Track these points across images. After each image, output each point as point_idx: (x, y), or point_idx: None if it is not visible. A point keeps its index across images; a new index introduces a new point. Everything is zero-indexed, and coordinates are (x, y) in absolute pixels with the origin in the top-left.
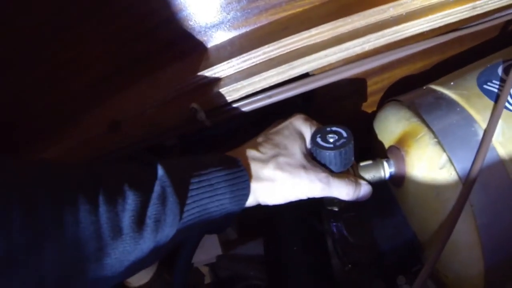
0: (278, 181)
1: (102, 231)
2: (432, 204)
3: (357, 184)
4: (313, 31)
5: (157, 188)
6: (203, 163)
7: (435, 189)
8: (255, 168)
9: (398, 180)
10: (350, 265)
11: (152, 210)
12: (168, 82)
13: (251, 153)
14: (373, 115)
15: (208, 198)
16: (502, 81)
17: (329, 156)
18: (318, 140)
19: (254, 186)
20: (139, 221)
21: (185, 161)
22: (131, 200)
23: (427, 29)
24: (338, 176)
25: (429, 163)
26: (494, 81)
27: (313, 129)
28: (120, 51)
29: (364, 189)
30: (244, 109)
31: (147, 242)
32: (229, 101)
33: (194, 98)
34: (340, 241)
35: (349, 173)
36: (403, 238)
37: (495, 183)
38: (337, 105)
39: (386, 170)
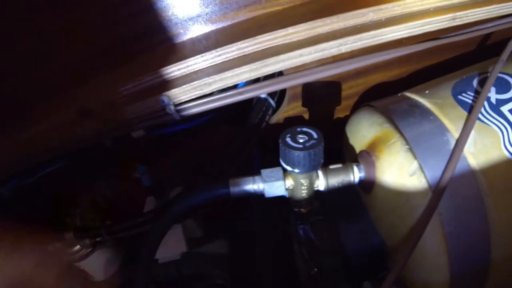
0: None
1: None
2: (400, 211)
3: None
4: (290, 29)
5: None
6: None
7: (404, 196)
8: None
9: (368, 185)
10: (315, 269)
11: None
12: (139, 73)
13: None
14: (346, 119)
15: None
16: (477, 92)
17: (298, 156)
18: (288, 140)
19: None
20: None
21: None
22: None
23: (406, 35)
24: None
25: (400, 170)
26: (468, 92)
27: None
28: (93, 37)
29: None
30: (215, 104)
31: None
32: (200, 95)
33: (165, 90)
34: (306, 244)
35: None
36: (370, 243)
37: (464, 192)
38: (310, 107)
39: (356, 174)
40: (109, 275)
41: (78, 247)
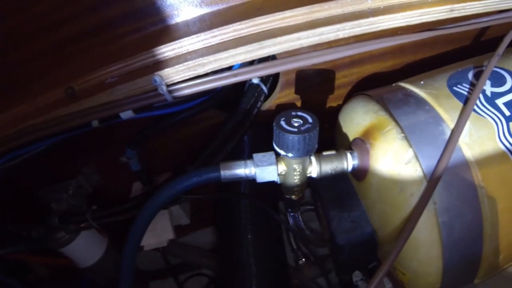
0: None
1: None
2: (395, 199)
3: None
4: (288, 13)
5: None
6: None
7: (399, 184)
8: None
9: (361, 173)
10: (303, 259)
11: None
12: (131, 52)
13: None
14: (338, 108)
15: None
16: (472, 85)
17: (292, 140)
18: (282, 123)
19: None
20: None
21: None
22: None
23: (403, 25)
24: None
25: (395, 158)
26: (464, 84)
27: None
28: (84, 16)
29: None
30: (208, 86)
31: None
32: (193, 75)
33: (157, 70)
34: (296, 233)
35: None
36: (361, 233)
37: (459, 183)
38: (303, 94)
39: (349, 161)
40: (93, 262)
41: (62, 233)
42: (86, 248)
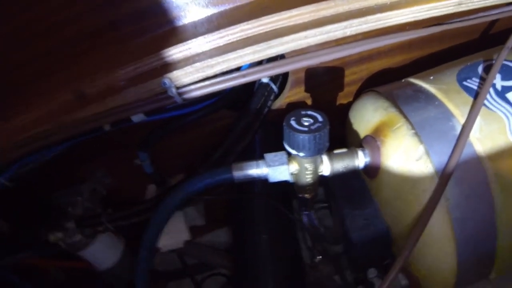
0: None
1: None
2: (407, 196)
3: None
4: (294, 11)
5: None
6: None
7: (410, 181)
8: None
9: (373, 170)
10: (320, 256)
11: None
12: (139, 55)
13: None
14: (349, 106)
15: None
16: (482, 79)
17: (303, 139)
18: (293, 123)
19: None
20: None
21: None
22: None
23: (411, 20)
24: None
25: (406, 154)
26: (474, 79)
27: None
28: (92, 16)
29: None
30: (217, 87)
31: None
32: (202, 77)
33: (166, 73)
34: (311, 231)
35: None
36: (374, 230)
37: (471, 178)
38: (313, 92)
39: (360, 159)
40: (110, 264)
41: (79, 236)
42: (103, 251)
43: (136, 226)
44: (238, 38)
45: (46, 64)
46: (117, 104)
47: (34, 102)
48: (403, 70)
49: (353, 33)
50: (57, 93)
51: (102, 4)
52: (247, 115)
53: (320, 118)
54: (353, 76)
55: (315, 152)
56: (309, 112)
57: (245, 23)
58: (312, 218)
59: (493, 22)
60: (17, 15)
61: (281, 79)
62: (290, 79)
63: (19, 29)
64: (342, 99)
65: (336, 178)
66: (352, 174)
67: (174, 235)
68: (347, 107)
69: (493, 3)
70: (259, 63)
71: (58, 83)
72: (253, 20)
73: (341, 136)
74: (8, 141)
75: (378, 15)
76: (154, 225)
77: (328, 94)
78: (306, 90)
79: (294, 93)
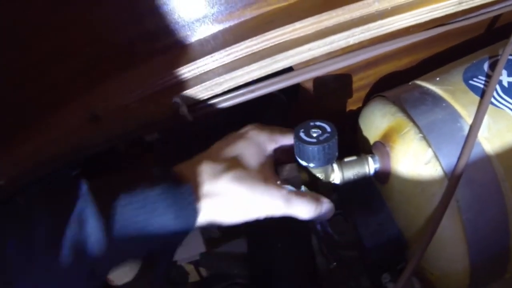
0: (234, 195)
1: (9, 263)
2: (417, 200)
3: (318, 202)
4: (297, 24)
5: (77, 208)
6: (136, 181)
7: (420, 185)
8: (208, 181)
9: (383, 176)
10: (335, 263)
11: (69, 232)
12: (150, 76)
13: (203, 165)
14: (359, 111)
15: (145, 220)
16: (488, 76)
17: (312, 151)
18: (302, 135)
19: (205, 202)
20: (53, 245)
21: (114, 178)
22: (44, 225)
23: (413, 23)
24: (300, 194)
25: (414, 159)
26: (480, 77)
27: (272, 136)
28: (101, 42)
29: (326, 207)
30: (226, 104)
31: (65, 267)
32: (211, 95)
33: (176, 92)
34: (325, 238)
35: (311, 192)
36: (388, 235)
37: (481, 178)
38: (322, 101)
39: (371, 166)
40: (129, 278)
41: None
42: (121, 268)
43: None
44: (244, 55)
45: (62, 90)
46: (129, 124)
47: (47, 126)
48: (411, 71)
49: (357, 41)
50: (71, 116)
51: (110, 31)
52: None
53: (328, 129)
54: (361, 82)
55: (325, 162)
56: (318, 123)
57: (249, 39)
58: (325, 226)
59: (498, 16)
60: (35, 44)
61: (291, 89)
62: (299, 89)
63: (36, 58)
64: (351, 106)
65: (348, 184)
66: (364, 180)
67: (190, 247)
68: (357, 113)
69: None
70: (267, 77)
71: (72, 108)
72: (258, 36)
73: (353, 142)
74: (22, 164)
75: (380, 22)
76: None
77: (338, 102)
78: (315, 99)
79: (304, 102)
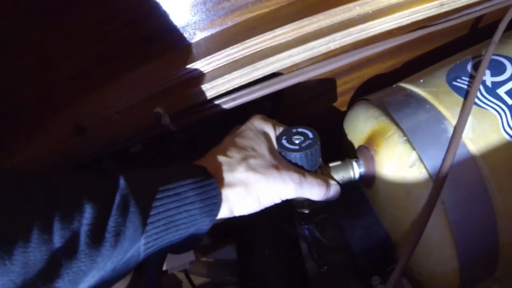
0: (251, 183)
1: (54, 251)
2: (403, 203)
3: (327, 184)
4: (278, 31)
5: (117, 199)
6: (169, 173)
7: (405, 188)
8: (226, 173)
9: (369, 180)
10: (325, 267)
11: (111, 223)
12: (133, 86)
13: (219, 158)
14: (344, 115)
15: (175, 209)
16: (472, 77)
17: (294, 157)
18: (284, 142)
19: (226, 192)
20: (97, 236)
21: (150, 172)
22: (88, 214)
23: (394, 27)
24: (309, 177)
25: (399, 162)
26: (463, 78)
27: (275, 127)
28: (83, 53)
29: (334, 189)
30: (209, 112)
31: (105, 259)
32: (193, 104)
33: (159, 102)
34: (314, 243)
35: (319, 173)
36: (374, 238)
37: (466, 179)
38: (307, 106)
39: (355, 170)
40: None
41: None
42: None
43: None
44: (225, 63)
45: (47, 102)
46: (113, 135)
47: (33, 139)
48: (396, 73)
49: (338, 46)
50: (56, 128)
51: (92, 42)
52: None
53: (310, 135)
54: (345, 86)
55: (308, 169)
56: (300, 130)
57: (230, 47)
58: (313, 231)
59: (481, 17)
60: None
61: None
62: (283, 95)
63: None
64: (336, 110)
65: None
66: (350, 185)
67: (179, 256)
68: (342, 117)
69: (475, 0)
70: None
71: (57, 119)
72: (238, 44)
73: (339, 147)
74: None
75: (361, 26)
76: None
77: (322, 106)
78: (300, 104)
79: (288, 108)
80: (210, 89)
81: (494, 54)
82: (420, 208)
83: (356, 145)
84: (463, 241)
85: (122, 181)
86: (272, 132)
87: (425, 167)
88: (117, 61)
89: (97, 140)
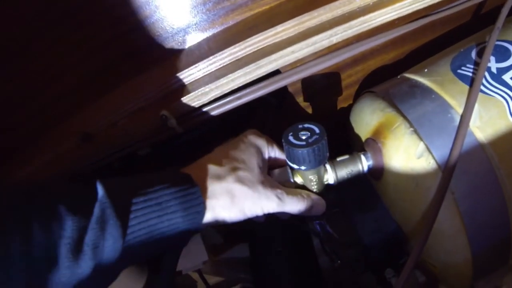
0: (238, 195)
1: (34, 263)
2: (412, 195)
3: (308, 199)
4: (279, 28)
5: (96, 211)
6: (149, 181)
7: (414, 179)
8: (213, 182)
9: (377, 172)
10: (339, 261)
11: (90, 236)
12: (138, 91)
13: (207, 167)
14: (350, 109)
15: (157, 218)
16: (476, 64)
17: (302, 154)
18: (290, 138)
19: (211, 201)
20: (76, 249)
21: (130, 180)
22: (68, 226)
23: (396, 17)
24: (291, 193)
25: (407, 153)
26: (468, 65)
27: (268, 143)
28: (88, 61)
29: (317, 204)
30: (215, 112)
31: (85, 271)
32: (198, 105)
33: (164, 105)
34: (326, 238)
35: (301, 190)
36: (386, 231)
37: (475, 168)
38: (312, 101)
39: (364, 163)
40: None
41: None
42: (127, 280)
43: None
44: (228, 62)
45: (52, 113)
46: (121, 141)
47: (41, 149)
48: (400, 64)
49: (340, 39)
50: (63, 138)
51: (97, 50)
52: None
53: (317, 130)
54: (350, 79)
55: (316, 164)
56: (306, 125)
57: (232, 46)
58: (324, 226)
59: (483, 2)
60: (23, 67)
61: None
62: (288, 91)
63: (26, 81)
64: (342, 103)
65: (343, 183)
66: (359, 178)
67: (193, 257)
68: (348, 110)
69: None
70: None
71: (64, 129)
72: (240, 43)
73: (346, 141)
74: None
75: (362, 18)
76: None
77: (328, 100)
78: (305, 100)
79: (293, 104)
80: (215, 89)
81: (498, 40)
82: (430, 199)
83: (363, 138)
84: (475, 230)
85: (101, 192)
86: (264, 147)
87: (434, 157)
88: (121, 67)
89: (105, 146)
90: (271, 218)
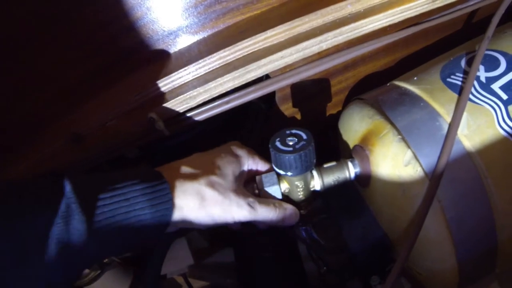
0: (207, 198)
1: (2, 263)
2: (399, 202)
3: (280, 209)
4: (269, 32)
5: (62, 206)
6: (118, 178)
7: (401, 187)
8: (184, 182)
9: (365, 180)
10: (325, 268)
11: (55, 231)
12: (127, 93)
13: (182, 168)
14: (339, 115)
15: (124, 214)
16: (465, 73)
17: (288, 159)
18: (277, 144)
19: (180, 200)
20: (42, 244)
21: (100, 176)
22: (33, 222)
23: (387, 24)
24: (264, 202)
25: (394, 161)
26: (457, 74)
27: (249, 154)
28: (78, 63)
29: (290, 214)
30: (202, 116)
31: (52, 265)
32: (186, 108)
33: (153, 108)
34: (312, 245)
35: (274, 200)
36: (372, 238)
37: (462, 176)
38: (301, 106)
39: (351, 170)
40: None
41: (87, 270)
42: (111, 284)
43: (144, 257)
44: (217, 66)
45: (42, 114)
46: (110, 142)
47: (31, 149)
48: (391, 71)
49: (330, 46)
50: (53, 138)
51: (86, 53)
52: (241, 136)
53: (304, 136)
54: (340, 85)
55: (303, 170)
56: (293, 131)
57: (222, 50)
58: (310, 232)
59: (474, 11)
60: (14, 69)
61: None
62: (277, 96)
63: (17, 83)
64: (331, 110)
65: (330, 190)
66: (346, 185)
67: (178, 261)
68: (338, 116)
69: None
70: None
71: (53, 130)
72: (230, 47)
73: (335, 147)
74: None
75: (353, 25)
76: (157, 252)
77: (317, 106)
78: (294, 106)
79: (283, 109)
80: (203, 93)
81: (487, 49)
82: (417, 207)
83: (351, 145)
84: (461, 238)
85: (68, 187)
86: (244, 158)
87: (421, 165)
88: (110, 70)
89: (95, 147)
90: (248, 227)
